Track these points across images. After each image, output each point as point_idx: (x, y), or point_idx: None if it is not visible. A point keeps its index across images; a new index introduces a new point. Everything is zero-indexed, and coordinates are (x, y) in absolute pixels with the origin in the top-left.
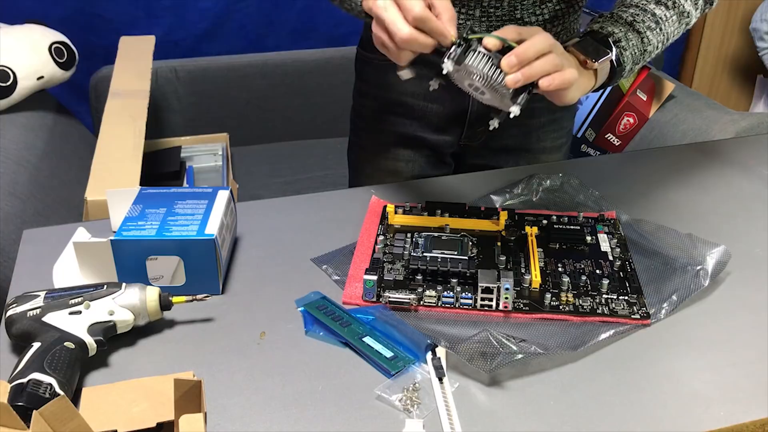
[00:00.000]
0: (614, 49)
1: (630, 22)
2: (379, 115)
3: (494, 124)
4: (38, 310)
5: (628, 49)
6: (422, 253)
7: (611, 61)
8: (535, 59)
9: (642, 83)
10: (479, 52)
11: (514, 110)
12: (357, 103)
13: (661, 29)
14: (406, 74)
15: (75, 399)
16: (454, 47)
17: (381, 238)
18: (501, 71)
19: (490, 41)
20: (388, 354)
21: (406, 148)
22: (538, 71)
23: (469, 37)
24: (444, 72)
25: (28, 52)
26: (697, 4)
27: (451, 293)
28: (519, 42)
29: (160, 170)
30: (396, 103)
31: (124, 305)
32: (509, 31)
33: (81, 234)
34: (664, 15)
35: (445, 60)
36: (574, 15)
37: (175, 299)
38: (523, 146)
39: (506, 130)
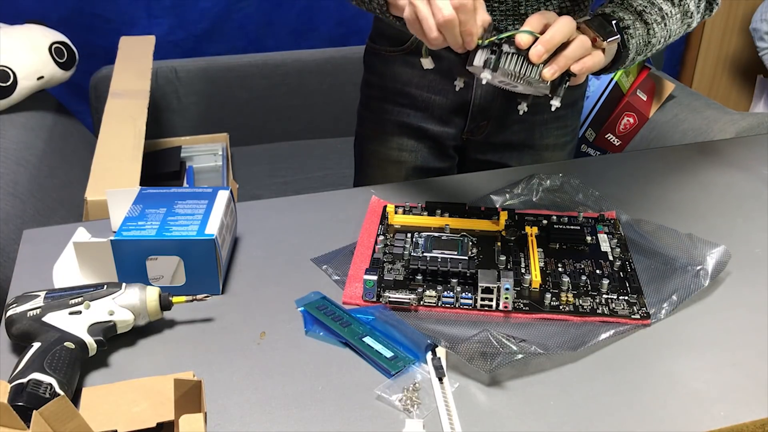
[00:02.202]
0: (622, 34)
1: (640, 11)
2: (383, 105)
3: (523, 108)
4: (38, 310)
5: (634, 38)
6: (422, 253)
7: (617, 45)
8: (564, 46)
9: (642, 83)
10: (511, 53)
11: (555, 103)
12: (363, 94)
13: (665, 24)
14: (427, 63)
15: (75, 399)
16: (485, 53)
17: (381, 238)
18: (533, 66)
19: (523, 38)
20: (388, 354)
21: (409, 139)
22: (571, 58)
23: (497, 38)
24: (483, 82)
25: (28, 52)
26: (699, 7)
27: (451, 293)
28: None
29: (160, 170)
30: (400, 94)
31: (124, 305)
32: (535, 22)
33: (81, 234)
34: (670, 11)
35: (484, 71)
36: (580, 14)
37: (175, 299)
38: (527, 143)
39: (509, 126)
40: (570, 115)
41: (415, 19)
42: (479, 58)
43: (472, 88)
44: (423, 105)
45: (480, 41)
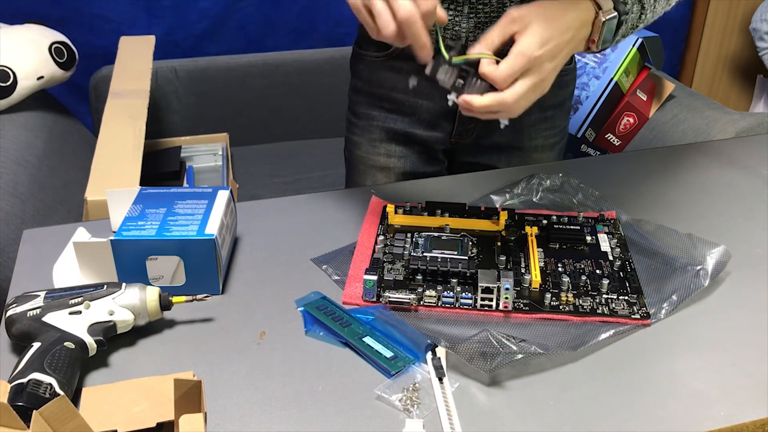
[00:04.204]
0: (620, 15)
1: None
2: (370, 111)
3: (452, 98)
4: (38, 310)
5: (627, 23)
6: (422, 253)
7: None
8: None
9: (642, 83)
10: (451, 68)
11: (452, 98)
12: (351, 100)
13: (654, 7)
14: (412, 80)
15: (75, 399)
16: (452, 75)
17: (381, 238)
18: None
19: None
20: (388, 354)
21: (398, 144)
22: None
23: (464, 60)
24: (449, 104)
25: (28, 52)
26: None
27: (451, 293)
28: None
29: (160, 170)
30: (387, 99)
31: (124, 305)
32: (492, 39)
33: (81, 234)
34: None
35: (451, 93)
36: None
37: (175, 299)
38: (515, 144)
39: (497, 128)
40: (558, 115)
41: (365, 11)
42: (447, 78)
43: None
44: (410, 110)
45: (448, 56)
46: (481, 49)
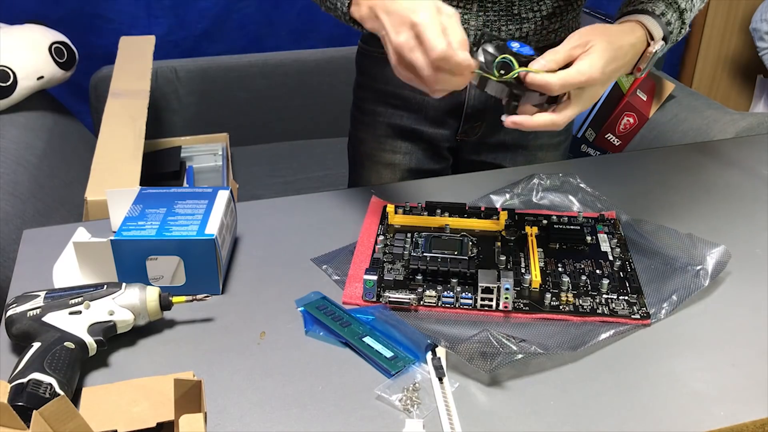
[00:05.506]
0: (667, 38)
1: (682, 10)
2: (377, 108)
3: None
4: (38, 310)
5: (670, 41)
6: (422, 253)
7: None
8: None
9: (642, 83)
10: (499, 84)
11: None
12: (356, 97)
13: (691, 13)
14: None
15: (75, 399)
16: (504, 89)
17: (381, 238)
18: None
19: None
20: (388, 354)
21: (403, 141)
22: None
23: (512, 76)
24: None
25: (28, 52)
26: None
27: (451, 293)
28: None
29: (160, 170)
30: (394, 96)
31: (124, 305)
32: (554, 58)
33: (81, 234)
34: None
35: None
36: (573, 13)
37: (175, 299)
38: (520, 143)
39: (502, 127)
40: None
41: (404, 63)
42: (497, 92)
43: (466, 90)
44: (416, 107)
45: (497, 75)
46: (540, 65)
